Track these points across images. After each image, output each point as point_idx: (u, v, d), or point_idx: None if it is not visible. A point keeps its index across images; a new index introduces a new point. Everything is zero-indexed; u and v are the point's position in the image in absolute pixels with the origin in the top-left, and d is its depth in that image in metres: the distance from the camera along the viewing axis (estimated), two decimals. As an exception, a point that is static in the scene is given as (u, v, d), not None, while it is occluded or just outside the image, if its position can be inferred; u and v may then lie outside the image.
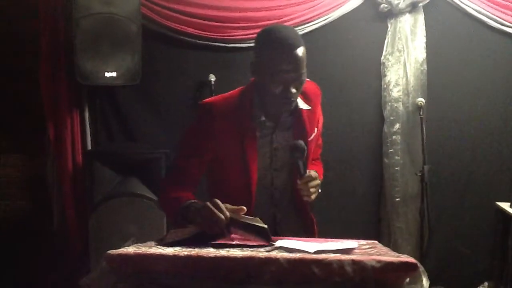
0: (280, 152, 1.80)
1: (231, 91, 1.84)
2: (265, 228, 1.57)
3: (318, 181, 1.79)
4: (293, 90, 1.68)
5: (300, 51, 1.66)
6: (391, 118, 3.27)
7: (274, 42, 1.67)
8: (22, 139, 3.22)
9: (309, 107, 1.83)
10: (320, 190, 1.82)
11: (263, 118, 1.75)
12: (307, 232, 1.94)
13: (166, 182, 1.90)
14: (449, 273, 3.31)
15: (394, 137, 3.26)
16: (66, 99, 3.06)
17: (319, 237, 1.96)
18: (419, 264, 1.32)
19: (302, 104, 1.82)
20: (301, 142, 1.71)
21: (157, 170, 2.90)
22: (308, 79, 1.76)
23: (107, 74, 2.91)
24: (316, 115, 1.90)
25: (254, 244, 1.54)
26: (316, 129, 1.90)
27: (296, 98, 1.74)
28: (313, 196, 1.77)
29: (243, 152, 1.75)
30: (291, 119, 1.82)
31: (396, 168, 3.24)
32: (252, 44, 3.19)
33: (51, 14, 2.99)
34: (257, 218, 1.64)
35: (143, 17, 3.00)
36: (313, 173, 1.77)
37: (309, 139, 1.84)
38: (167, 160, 2.90)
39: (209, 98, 1.86)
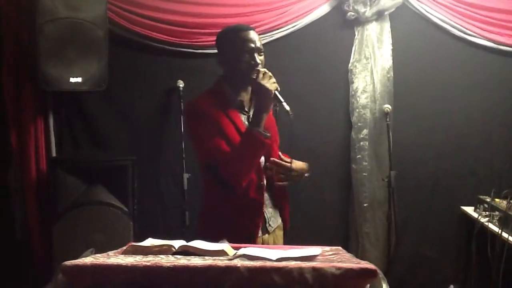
0: None
1: (202, 92, 2.13)
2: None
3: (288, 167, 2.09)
4: (258, 58, 2.03)
5: (254, 31, 2.09)
6: (359, 124, 3.31)
7: (235, 29, 2.09)
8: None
9: None
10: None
11: (240, 98, 2.08)
12: (281, 203, 2.19)
13: (221, 165, 1.99)
14: (415, 277, 3.36)
15: (361, 143, 3.30)
16: (29, 105, 2.99)
17: (287, 243, 2.06)
18: (378, 271, 1.33)
19: None
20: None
21: (124, 177, 2.86)
22: None
23: (72, 80, 2.84)
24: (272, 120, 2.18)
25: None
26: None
27: (261, 67, 2.03)
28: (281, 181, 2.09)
29: (238, 129, 2.02)
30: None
31: (364, 174, 3.28)
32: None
33: (14, 19, 2.92)
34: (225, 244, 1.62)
35: (110, 22, 2.96)
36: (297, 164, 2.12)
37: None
38: (134, 168, 2.87)
39: (191, 101, 2.12)
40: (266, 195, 2.11)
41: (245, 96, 2.11)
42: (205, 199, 2.16)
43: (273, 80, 1.99)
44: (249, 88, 2.10)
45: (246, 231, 2.04)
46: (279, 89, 1.99)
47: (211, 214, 2.11)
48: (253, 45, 2.03)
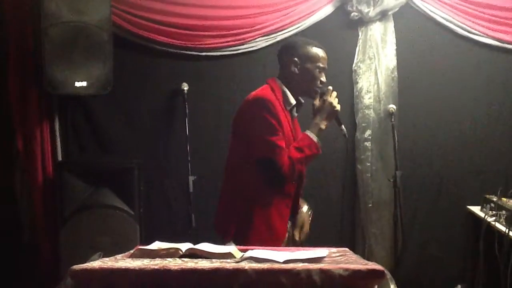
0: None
1: (262, 88, 2.23)
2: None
3: None
4: (324, 79, 2.26)
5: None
6: (363, 124, 3.30)
7: (317, 47, 2.25)
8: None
9: None
10: None
11: (294, 102, 2.24)
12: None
13: (282, 160, 2.13)
14: (422, 277, 3.35)
15: (366, 143, 3.29)
16: (35, 109, 3.01)
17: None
18: (386, 271, 1.33)
19: None
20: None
21: (130, 180, 2.87)
22: None
23: (78, 84, 2.86)
24: None
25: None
26: None
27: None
28: None
29: (293, 130, 2.22)
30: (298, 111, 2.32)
31: (368, 174, 3.27)
32: (225, 53, 3.21)
33: (19, 23, 2.94)
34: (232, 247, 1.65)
35: (114, 25, 2.97)
36: None
37: None
38: (140, 171, 2.87)
39: (258, 93, 2.21)
40: None
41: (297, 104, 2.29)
42: (245, 194, 2.18)
43: (337, 100, 2.20)
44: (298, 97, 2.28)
45: (284, 226, 2.22)
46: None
47: (247, 210, 2.16)
48: (325, 66, 2.26)
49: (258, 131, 2.13)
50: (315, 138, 2.17)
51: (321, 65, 2.22)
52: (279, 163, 2.09)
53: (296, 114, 2.30)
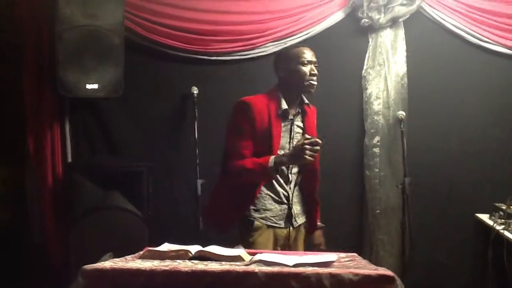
0: (295, 139, 2.33)
1: (258, 94, 2.38)
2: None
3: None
4: (316, 71, 2.32)
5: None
6: (372, 130, 3.30)
7: (297, 47, 2.42)
8: (1, 151, 3.17)
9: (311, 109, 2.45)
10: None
11: (286, 107, 2.32)
12: (311, 216, 2.50)
13: (232, 162, 2.30)
14: (430, 284, 3.33)
15: (374, 149, 3.29)
16: (47, 111, 3.04)
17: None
18: (396, 277, 1.33)
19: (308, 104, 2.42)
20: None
21: (140, 183, 2.89)
22: None
23: (89, 86, 2.89)
24: (315, 122, 2.49)
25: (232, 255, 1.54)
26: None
27: (316, 81, 2.32)
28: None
29: (270, 134, 2.27)
30: (303, 114, 2.41)
31: (377, 181, 3.27)
32: (235, 57, 3.24)
33: (35, 26, 2.98)
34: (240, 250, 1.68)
35: (126, 29, 3.00)
36: None
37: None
38: (149, 174, 2.89)
39: (244, 97, 2.36)
40: (295, 192, 2.40)
41: (293, 105, 2.36)
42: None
43: (315, 154, 2.17)
44: (299, 98, 2.37)
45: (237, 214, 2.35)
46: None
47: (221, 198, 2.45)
48: (311, 59, 2.34)
49: (228, 130, 2.37)
50: (269, 164, 2.20)
51: (305, 59, 2.31)
52: (227, 162, 2.32)
53: (291, 117, 2.35)
